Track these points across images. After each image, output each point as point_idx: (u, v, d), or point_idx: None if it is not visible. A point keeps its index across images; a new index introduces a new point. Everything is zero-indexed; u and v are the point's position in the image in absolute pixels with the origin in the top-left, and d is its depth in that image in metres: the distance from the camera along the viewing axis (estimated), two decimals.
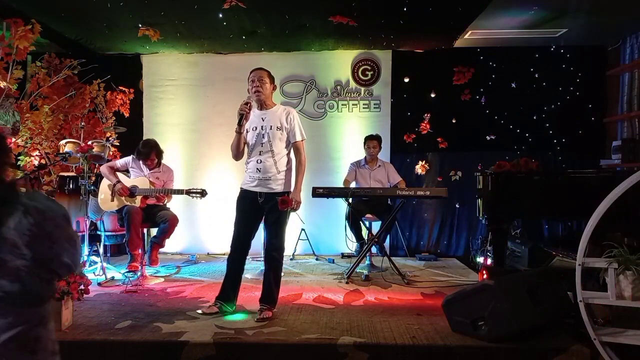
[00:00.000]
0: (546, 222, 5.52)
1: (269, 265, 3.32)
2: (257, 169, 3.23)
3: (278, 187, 3.26)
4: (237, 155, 3.31)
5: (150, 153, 4.47)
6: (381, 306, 3.58)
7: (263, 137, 3.24)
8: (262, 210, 3.30)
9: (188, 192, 4.26)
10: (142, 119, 6.04)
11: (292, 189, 3.32)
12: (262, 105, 3.29)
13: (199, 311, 3.28)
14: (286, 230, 3.35)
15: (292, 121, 3.30)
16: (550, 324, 2.87)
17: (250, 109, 3.20)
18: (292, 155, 3.38)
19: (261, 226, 3.44)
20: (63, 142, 4.82)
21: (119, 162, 4.56)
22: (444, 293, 3.79)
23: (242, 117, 3.15)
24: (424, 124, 5.85)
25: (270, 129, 3.25)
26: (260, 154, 3.24)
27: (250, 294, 3.67)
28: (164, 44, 5.56)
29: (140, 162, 4.53)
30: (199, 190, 4.24)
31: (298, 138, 3.32)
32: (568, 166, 5.62)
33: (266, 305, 3.26)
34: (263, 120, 3.27)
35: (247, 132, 3.30)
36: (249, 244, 3.36)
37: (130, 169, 4.57)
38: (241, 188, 3.35)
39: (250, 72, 3.32)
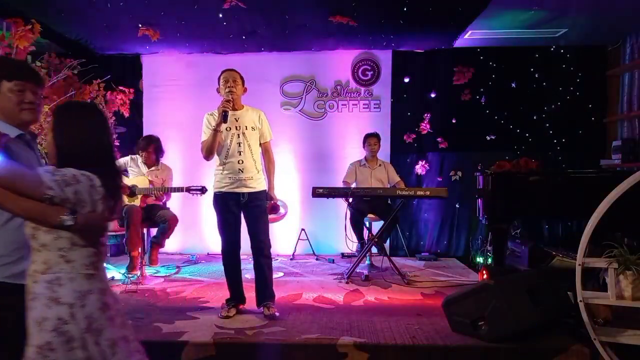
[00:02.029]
0: (546, 222, 5.52)
1: (263, 262, 3.34)
2: (239, 169, 3.25)
3: (259, 186, 3.33)
4: (212, 154, 3.26)
5: (148, 145, 4.49)
6: (381, 306, 3.59)
7: (239, 138, 3.27)
8: (241, 210, 3.32)
9: (188, 190, 4.27)
10: (142, 119, 6.05)
11: (266, 188, 3.40)
12: (234, 107, 3.27)
13: (220, 314, 3.26)
14: None
15: (263, 122, 3.39)
16: (550, 324, 2.87)
17: (231, 106, 3.18)
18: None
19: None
20: None
21: (117, 163, 4.55)
22: (444, 293, 3.79)
23: (227, 114, 3.14)
24: (424, 124, 5.85)
25: (246, 129, 3.29)
26: (240, 154, 3.26)
27: (250, 294, 3.66)
28: (164, 44, 5.55)
29: (139, 160, 4.54)
30: (199, 188, 4.26)
31: (268, 138, 3.43)
32: (568, 166, 5.62)
33: (270, 302, 3.32)
34: (237, 121, 3.29)
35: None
36: (240, 244, 3.39)
37: (128, 169, 4.57)
38: (219, 191, 3.30)
39: (222, 72, 3.33)
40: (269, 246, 3.38)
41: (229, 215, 3.30)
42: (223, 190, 3.29)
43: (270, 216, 3.51)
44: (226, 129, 3.24)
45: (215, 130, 3.16)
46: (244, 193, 3.26)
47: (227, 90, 3.22)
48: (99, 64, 5.62)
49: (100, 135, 1.67)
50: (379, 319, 3.22)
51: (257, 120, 3.36)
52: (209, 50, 5.89)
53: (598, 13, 4.55)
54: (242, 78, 3.34)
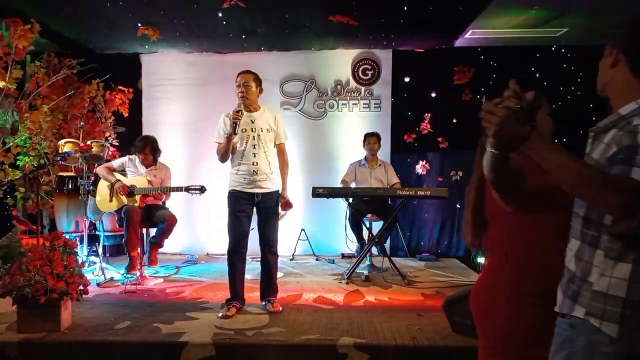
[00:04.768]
0: None
1: (270, 259, 3.45)
2: (254, 170, 3.32)
3: (273, 186, 3.41)
4: (226, 158, 3.37)
5: (145, 147, 4.47)
6: (381, 307, 3.58)
7: (254, 140, 3.33)
8: (253, 209, 3.42)
9: (187, 189, 4.25)
10: (141, 119, 6.03)
11: (279, 188, 3.49)
12: (249, 109, 3.35)
13: (220, 314, 3.25)
14: None
15: (279, 123, 3.46)
16: None
17: (242, 116, 3.25)
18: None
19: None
20: (62, 142, 4.81)
21: (116, 163, 4.56)
22: (444, 293, 3.78)
23: (237, 124, 3.21)
24: (425, 124, 5.84)
25: (261, 131, 3.35)
26: (254, 156, 3.33)
27: (250, 294, 3.65)
28: (164, 43, 5.55)
29: (137, 161, 4.52)
30: (198, 187, 4.24)
31: (283, 140, 3.50)
32: None
33: (273, 297, 3.43)
34: (252, 123, 3.35)
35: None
36: (247, 245, 3.45)
37: (126, 169, 4.56)
38: (234, 189, 3.38)
39: (237, 75, 3.39)
40: (277, 244, 3.48)
41: (241, 214, 3.36)
42: (237, 189, 3.36)
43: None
44: (241, 130, 3.31)
45: (228, 139, 3.25)
46: (258, 193, 3.35)
47: (239, 96, 3.30)
48: (98, 64, 5.62)
49: None
50: (379, 319, 3.21)
51: (272, 121, 3.42)
52: (208, 49, 5.89)
53: (598, 12, 4.54)
54: (256, 79, 3.39)
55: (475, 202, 1.66)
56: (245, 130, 3.32)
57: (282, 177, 3.51)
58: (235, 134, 3.23)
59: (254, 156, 3.32)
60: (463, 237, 1.79)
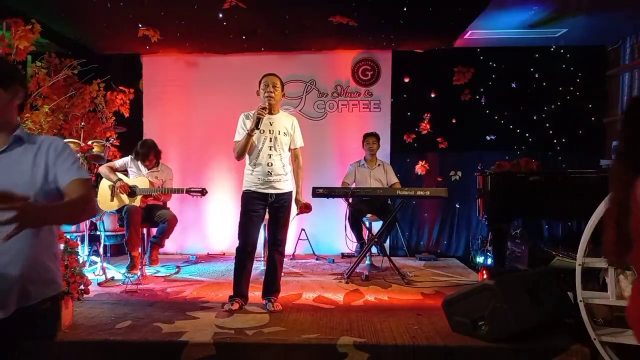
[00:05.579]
0: (546, 222, 5.52)
1: (276, 258, 3.51)
2: (268, 171, 3.38)
3: (286, 187, 3.49)
4: (243, 155, 3.41)
5: (149, 153, 4.48)
6: (381, 306, 3.59)
7: (271, 141, 3.40)
8: (266, 210, 3.47)
9: (188, 191, 4.27)
10: (142, 119, 6.05)
11: (292, 190, 3.55)
12: (271, 110, 3.41)
13: (225, 308, 3.34)
14: None
15: (295, 129, 3.55)
16: (550, 324, 2.87)
17: (266, 113, 3.31)
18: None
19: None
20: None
21: (118, 163, 4.57)
22: (444, 293, 3.78)
23: (260, 120, 3.27)
24: (424, 124, 5.85)
25: (279, 133, 3.43)
26: (270, 157, 3.39)
27: (250, 293, 3.66)
28: (164, 44, 5.55)
29: (139, 162, 4.53)
30: (199, 189, 4.25)
31: (299, 145, 3.59)
32: (568, 166, 5.62)
33: (274, 296, 3.47)
34: (271, 125, 3.42)
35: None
36: (256, 245, 3.50)
37: (128, 169, 4.57)
38: (248, 190, 3.44)
39: (263, 77, 3.45)
40: (284, 244, 3.54)
41: (254, 214, 3.41)
42: (251, 189, 3.42)
43: None
44: (260, 130, 3.37)
45: (249, 135, 3.30)
46: (271, 194, 3.41)
47: (266, 95, 3.35)
48: (98, 64, 5.60)
49: None
50: (379, 318, 3.22)
51: (289, 126, 3.50)
52: (208, 50, 5.89)
53: (598, 13, 4.55)
54: (281, 83, 3.46)
55: (618, 218, 1.51)
56: (264, 132, 3.39)
57: (297, 181, 3.59)
58: (257, 129, 3.28)
59: (269, 157, 3.38)
60: (605, 256, 1.62)
